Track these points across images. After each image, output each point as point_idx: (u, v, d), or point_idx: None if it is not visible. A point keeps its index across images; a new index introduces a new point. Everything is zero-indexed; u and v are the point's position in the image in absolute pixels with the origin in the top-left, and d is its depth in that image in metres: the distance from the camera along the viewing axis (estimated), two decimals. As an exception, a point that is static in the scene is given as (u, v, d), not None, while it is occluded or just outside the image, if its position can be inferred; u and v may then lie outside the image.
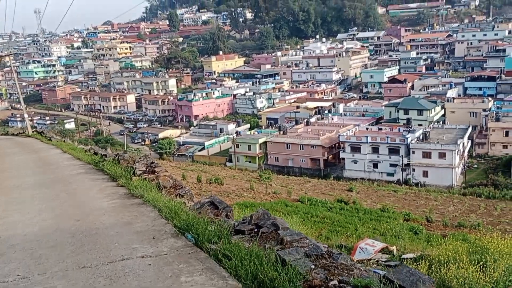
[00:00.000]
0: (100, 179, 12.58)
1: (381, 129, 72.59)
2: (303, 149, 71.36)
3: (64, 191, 11.68)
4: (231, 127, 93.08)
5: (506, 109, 75.14)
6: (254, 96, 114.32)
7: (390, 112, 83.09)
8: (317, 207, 45.20)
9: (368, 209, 45.31)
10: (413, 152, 62.58)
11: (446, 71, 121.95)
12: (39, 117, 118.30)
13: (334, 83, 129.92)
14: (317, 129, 76.90)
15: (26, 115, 43.22)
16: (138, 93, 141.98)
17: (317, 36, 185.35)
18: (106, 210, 9.30)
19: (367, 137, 66.27)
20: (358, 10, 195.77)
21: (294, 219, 24.65)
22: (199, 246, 6.64)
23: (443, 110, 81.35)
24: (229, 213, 7.93)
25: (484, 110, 77.09)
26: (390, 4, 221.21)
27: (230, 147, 79.01)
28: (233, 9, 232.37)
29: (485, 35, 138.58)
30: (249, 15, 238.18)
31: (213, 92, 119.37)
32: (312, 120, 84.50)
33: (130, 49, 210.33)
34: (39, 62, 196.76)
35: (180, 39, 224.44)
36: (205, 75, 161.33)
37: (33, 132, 34.70)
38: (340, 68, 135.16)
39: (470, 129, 69.89)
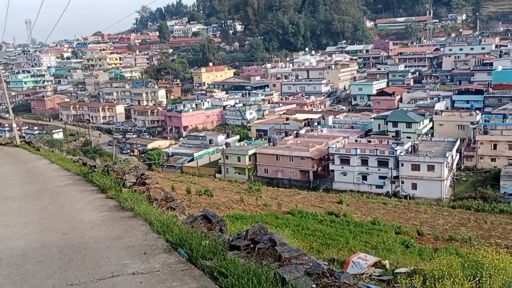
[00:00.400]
0: (89, 190, 12.26)
1: (370, 141, 72.97)
2: (292, 160, 71.36)
3: (52, 203, 11.35)
4: (221, 138, 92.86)
5: (493, 122, 75.88)
6: (243, 107, 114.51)
7: (379, 125, 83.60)
8: (307, 219, 44.87)
9: (359, 222, 45.08)
10: (402, 165, 62.81)
11: (434, 84, 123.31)
12: (27, 127, 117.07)
13: (323, 95, 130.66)
14: (307, 141, 77.02)
15: (14, 125, 42.46)
16: (128, 103, 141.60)
17: (307, 49, 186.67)
18: (95, 223, 8.99)
19: (356, 149, 66.47)
20: (347, 23, 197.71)
21: (286, 232, 24.38)
22: (193, 263, 6.35)
23: (431, 123, 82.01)
24: (223, 227, 7.67)
25: (472, 123, 77.80)
26: (378, 18, 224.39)
27: (220, 159, 78.70)
28: (223, 21, 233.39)
29: (472, 49, 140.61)
30: (239, 27, 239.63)
31: (203, 103, 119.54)
32: (302, 132, 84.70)
33: (120, 60, 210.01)
34: (28, 72, 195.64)
35: (170, 50, 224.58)
36: (195, 86, 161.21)
37: (21, 142, 34.13)
38: (329, 81, 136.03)
39: (458, 142, 70.38)
